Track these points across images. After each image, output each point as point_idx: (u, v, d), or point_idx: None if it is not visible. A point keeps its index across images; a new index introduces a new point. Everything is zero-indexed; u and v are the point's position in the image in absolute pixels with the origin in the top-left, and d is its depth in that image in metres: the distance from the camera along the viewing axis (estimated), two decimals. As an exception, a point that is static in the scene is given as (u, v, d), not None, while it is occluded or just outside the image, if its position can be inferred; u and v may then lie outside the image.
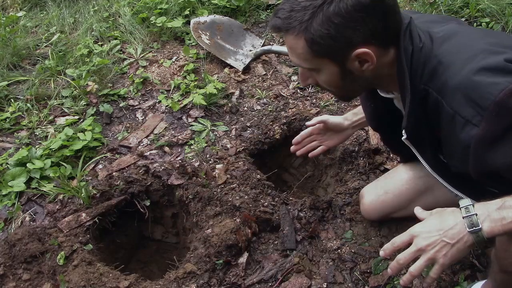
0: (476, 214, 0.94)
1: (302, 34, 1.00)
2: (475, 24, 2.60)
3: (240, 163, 2.01)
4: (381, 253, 1.06)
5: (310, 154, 1.74)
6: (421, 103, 1.06)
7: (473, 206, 0.96)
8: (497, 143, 0.92)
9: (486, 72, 0.93)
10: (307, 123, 1.71)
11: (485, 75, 0.93)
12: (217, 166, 2.01)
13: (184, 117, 2.34)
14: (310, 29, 0.98)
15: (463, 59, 0.98)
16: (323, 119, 1.67)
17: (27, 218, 1.89)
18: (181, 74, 2.60)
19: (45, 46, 2.96)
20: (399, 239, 1.03)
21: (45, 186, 1.97)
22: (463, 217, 0.96)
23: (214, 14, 2.90)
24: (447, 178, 1.29)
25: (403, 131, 1.16)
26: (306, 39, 1.00)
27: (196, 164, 2.04)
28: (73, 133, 2.13)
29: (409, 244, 1.01)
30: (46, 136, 2.24)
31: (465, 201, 0.98)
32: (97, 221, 1.82)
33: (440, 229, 0.98)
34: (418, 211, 1.08)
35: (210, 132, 2.23)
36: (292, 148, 1.76)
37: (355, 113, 1.68)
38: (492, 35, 1.16)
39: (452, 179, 1.29)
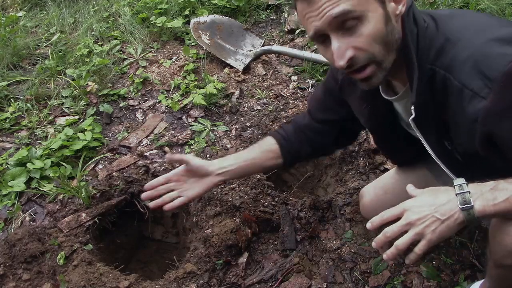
0: (469, 192, 0.94)
1: None
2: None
3: (240, 163, 2.01)
4: (368, 225, 1.04)
5: (166, 207, 1.42)
6: (428, 84, 1.05)
7: (467, 184, 0.96)
8: (505, 116, 0.90)
9: (496, 42, 0.92)
10: (167, 156, 1.37)
11: (495, 46, 0.92)
12: (217, 166, 2.01)
13: (184, 117, 2.34)
14: None
15: (471, 33, 0.98)
16: (185, 159, 1.41)
17: (27, 218, 1.90)
18: (181, 74, 2.60)
19: (45, 46, 2.96)
20: (389, 212, 1.02)
21: (45, 186, 1.97)
22: (456, 194, 0.95)
23: (214, 14, 2.90)
24: (450, 166, 1.29)
25: (412, 108, 1.10)
26: None
27: (196, 164, 2.04)
28: (73, 133, 2.14)
29: (398, 219, 1.00)
30: (46, 136, 2.24)
31: (459, 180, 0.98)
32: (97, 221, 1.82)
33: (432, 204, 0.97)
34: (410, 188, 1.07)
35: (210, 132, 2.23)
36: (144, 195, 1.45)
37: (224, 159, 1.48)
38: (496, 16, 1.15)
39: (455, 167, 1.28)
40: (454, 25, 1.02)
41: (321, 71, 2.52)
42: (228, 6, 2.99)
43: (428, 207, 0.97)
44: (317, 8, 0.98)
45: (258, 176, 1.95)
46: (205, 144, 2.16)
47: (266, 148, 1.50)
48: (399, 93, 1.20)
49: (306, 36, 2.70)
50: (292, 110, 2.31)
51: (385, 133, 1.44)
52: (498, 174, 0.98)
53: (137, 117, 2.38)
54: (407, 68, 1.08)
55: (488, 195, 0.93)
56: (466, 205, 0.93)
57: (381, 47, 1.02)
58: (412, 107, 1.09)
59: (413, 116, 1.11)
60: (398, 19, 1.04)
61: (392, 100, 1.24)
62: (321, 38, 1.03)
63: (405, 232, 0.98)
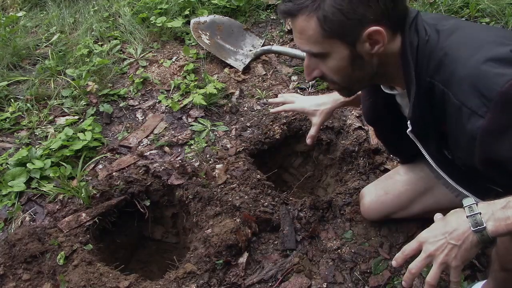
0: (480, 213, 0.93)
1: (314, 13, 0.99)
2: (475, 24, 2.61)
3: (240, 163, 2.01)
4: (393, 263, 1.06)
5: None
6: (427, 96, 1.05)
7: (477, 205, 0.95)
8: (503, 134, 0.91)
9: (493, 62, 0.93)
10: (270, 100, 1.60)
11: (492, 66, 0.92)
12: (217, 166, 2.01)
13: (184, 117, 2.34)
14: (323, 6, 0.97)
15: (470, 50, 0.98)
16: (288, 102, 1.62)
17: (27, 218, 1.89)
18: (181, 74, 2.60)
19: (45, 46, 2.96)
20: (408, 247, 1.03)
21: (45, 186, 1.97)
22: (467, 216, 0.95)
23: (214, 14, 2.90)
24: (451, 174, 1.29)
25: (408, 123, 1.13)
26: (318, 17, 0.99)
27: (196, 164, 2.04)
28: (73, 133, 2.13)
29: (419, 251, 1.01)
30: (46, 136, 2.24)
31: (468, 200, 0.97)
32: (97, 221, 1.82)
33: (445, 232, 0.97)
34: (437, 218, 1.08)
35: (210, 132, 2.23)
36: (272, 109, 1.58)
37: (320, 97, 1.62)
38: (497, 29, 1.16)
39: (457, 176, 1.28)
40: (453, 40, 1.03)
41: (321, 71, 2.52)
42: (228, 6, 2.99)
43: (442, 235, 0.98)
44: (294, 33, 1.08)
45: (258, 176, 1.95)
46: (205, 144, 2.16)
47: None
48: (399, 91, 1.21)
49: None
50: (292, 110, 2.31)
51: (382, 127, 1.45)
52: (498, 183, 0.98)
53: (137, 117, 2.38)
54: (405, 79, 1.09)
55: (500, 214, 0.92)
56: (478, 227, 0.93)
57: (345, 79, 1.11)
58: (409, 122, 1.13)
59: (409, 129, 1.15)
60: (377, 55, 1.06)
61: (394, 94, 1.25)
62: None
63: (429, 263, 1.00)
